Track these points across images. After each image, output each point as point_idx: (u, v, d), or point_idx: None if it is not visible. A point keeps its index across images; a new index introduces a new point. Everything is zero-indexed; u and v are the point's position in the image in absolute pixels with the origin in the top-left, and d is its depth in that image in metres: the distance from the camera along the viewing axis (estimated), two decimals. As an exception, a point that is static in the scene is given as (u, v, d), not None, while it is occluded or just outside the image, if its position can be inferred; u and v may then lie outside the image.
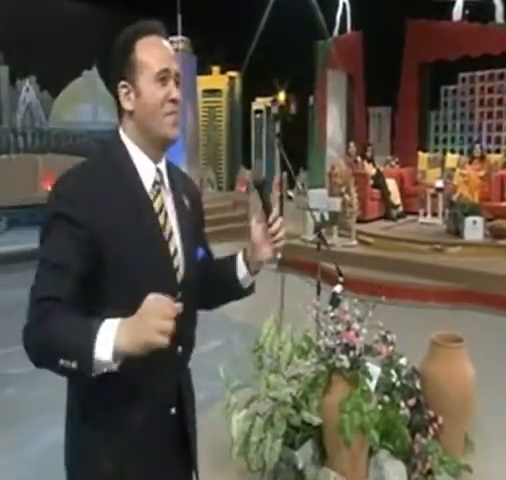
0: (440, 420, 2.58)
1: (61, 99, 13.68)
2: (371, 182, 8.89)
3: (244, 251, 1.37)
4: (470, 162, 8.92)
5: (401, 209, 9.22)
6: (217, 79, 14.23)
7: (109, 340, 0.98)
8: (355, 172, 8.57)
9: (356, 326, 2.11)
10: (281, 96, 8.44)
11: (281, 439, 2.26)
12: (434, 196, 8.37)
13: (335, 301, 2.37)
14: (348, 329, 2.11)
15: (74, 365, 1.00)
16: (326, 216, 8.03)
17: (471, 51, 9.49)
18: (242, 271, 1.35)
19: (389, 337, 2.23)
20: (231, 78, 14.20)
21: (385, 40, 9.54)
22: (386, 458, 2.34)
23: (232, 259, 1.37)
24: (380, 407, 2.31)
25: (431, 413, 2.57)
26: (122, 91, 1.20)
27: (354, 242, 7.94)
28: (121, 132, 1.25)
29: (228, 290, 1.39)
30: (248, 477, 2.41)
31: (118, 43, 1.21)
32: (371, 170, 9.06)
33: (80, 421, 1.28)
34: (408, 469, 2.41)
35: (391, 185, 9.24)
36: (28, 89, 13.06)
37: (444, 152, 10.56)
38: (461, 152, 10.68)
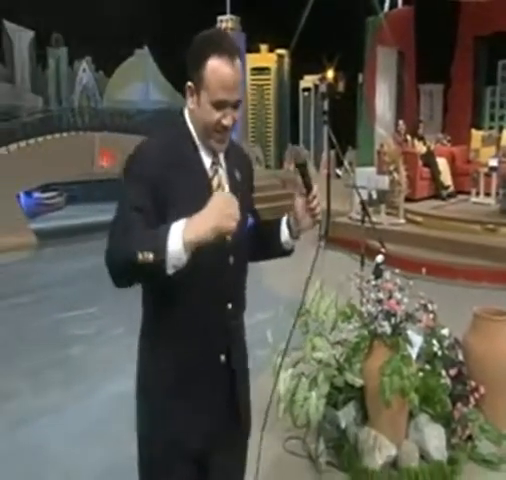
0: (481, 390, 2.66)
1: (114, 79, 14.05)
2: (421, 161, 8.76)
3: (288, 217, 1.50)
4: (527, 140, 8.61)
5: (452, 188, 9.05)
6: (265, 57, 14.20)
7: (179, 231, 1.17)
8: (404, 150, 8.46)
9: (397, 295, 2.23)
10: (329, 74, 8.35)
11: (324, 399, 2.43)
12: (488, 175, 8.17)
13: (378, 271, 2.48)
14: (390, 297, 2.23)
15: (151, 256, 1.15)
16: (374, 194, 8.02)
17: (532, 23, 9.06)
18: (284, 235, 1.50)
19: (430, 306, 2.34)
20: (280, 56, 14.14)
21: (437, 14, 9.25)
22: (426, 422, 2.47)
23: (277, 223, 1.52)
24: (421, 374, 2.43)
25: (473, 383, 2.66)
26: (188, 90, 1.35)
27: (402, 221, 7.91)
28: (186, 113, 1.38)
29: (272, 249, 1.52)
30: (294, 433, 2.60)
31: (193, 49, 1.31)
32: (421, 148, 8.92)
33: (141, 360, 1.46)
34: (448, 433, 2.52)
35: (442, 164, 9.07)
36: (84, 70, 13.46)
37: (500, 129, 10.21)
38: (518, 129, 10.29)
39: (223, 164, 1.41)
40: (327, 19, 10.27)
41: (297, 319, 1.69)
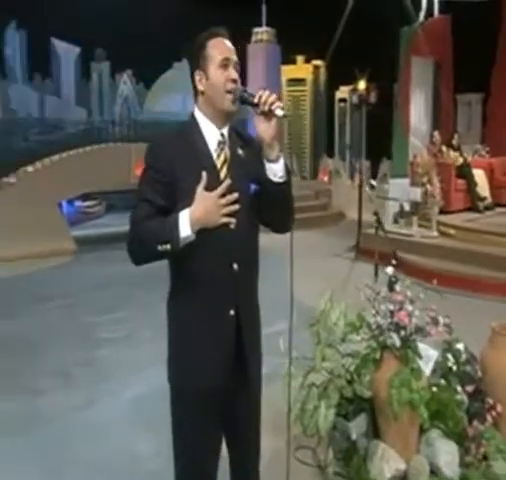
0: (499, 408, 2.60)
1: (154, 91, 14.42)
2: (456, 172, 8.60)
3: (262, 152, 1.61)
4: None
5: (489, 201, 8.83)
6: (302, 68, 14.27)
7: (186, 221, 1.51)
8: (439, 162, 8.32)
9: (408, 307, 2.22)
10: (361, 85, 8.33)
11: (334, 409, 2.44)
12: (527, 187, 7.93)
13: (391, 283, 2.48)
14: (400, 309, 2.23)
15: (168, 246, 1.51)
16: (406, 206, 7.92)
17: None
18: (268, 168, 1.59)
19: (442, 320, 2.32)
20: (316, 67, 14.18)
21: (475, 23, 9.10)
22: (438, 437, 2.44)
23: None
24: (434, 389, 2.40)
25: (490, 401, 2.60)
26: (197, 78, 1.63)
27: (434, 233, 7.76)
28: (195, 109, 1.67)
29: (270, 195, 1.61)
30: (304, 442, 2.61)
31: (195, 43, 1.63)
32: (457, 159, 8.76)
33: (169, 317, 1.73)
34: (461, 451, 2.48)
35: (479, 175, 8.86)
36: (125, 82, 13.90)
37: (542, 140, 9.90)
38: None
39: (228, 142, 1.64)
40: (362, 29, 10.25)
41: (290, 324, 1.74)
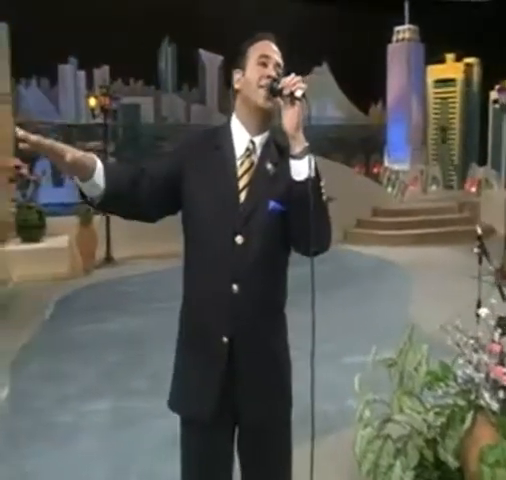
0: None
1: (292, 96, 14.40)
2: None
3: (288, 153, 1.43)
4: None
5: None
6: (451, 67, 13.11)
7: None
8: None
9: (513, 361, 1.70)
10: (510, 83, 7.27)
11: (413, 472, 1.98)
12: None
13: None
14: (501, 363, 1.71)
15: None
16: None
17: None
18: (291, 164, 1.39)
19: None
20: (468, 65, 12.94)
21: None
22: None
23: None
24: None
25: None
26: (235, 76, 1.52)
27: None
28: (233, 113, 1.56)
29: (293, 200, 1.39)
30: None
31: (240, 48, 1.55)
32: None
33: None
34: None
35: None
36: (265, 88, 14.11)
37: None
38: None
39: (258, 152, 1.49)
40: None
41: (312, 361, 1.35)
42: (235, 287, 1.43)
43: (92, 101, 8.07)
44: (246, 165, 1.49)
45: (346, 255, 8.47)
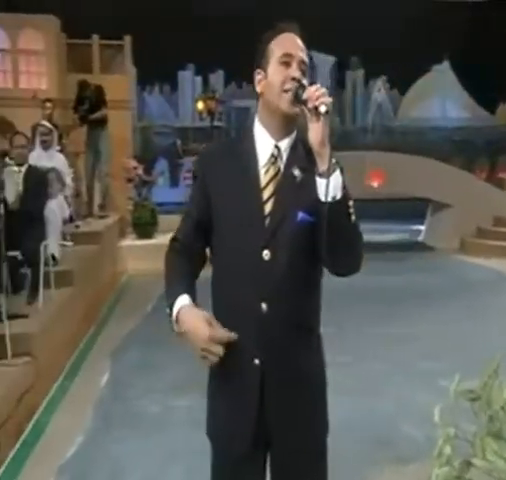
0: None
1: (409, 96, 13.81)
2: None
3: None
4: None
5: None
6: None
7: (174, 316, 1.34)
8: None
9: None
10: None
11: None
12: None
13: None
14: None
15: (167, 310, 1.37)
16: None
17: None
18: (318, 183, 1.27)
19: None
20: None
21: None
22: None
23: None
24: None
25: None
26: (257, 78, 1.41)
27: None
28: (256, 116, 1.46)
29: (322, 220, 1.26)
30: None
31: (260, 43, 1.41)
32: None
33: None
34: None
35: None
36: (379, 89, 13.70)
37: None
38: None
39: (284, 157, 1.40)
40: None
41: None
42: (264, 306, 1.34)
43: (200, 105, 8.44)
44: (271, 173, 1.38)
45: (462, 266, 7.97)
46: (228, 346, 1.29)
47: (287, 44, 1.37)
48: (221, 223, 1.38)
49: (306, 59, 1.37)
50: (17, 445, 3.16)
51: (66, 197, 5.48)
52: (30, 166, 4.75)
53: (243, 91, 14.78)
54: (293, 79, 1.32)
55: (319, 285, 1.43)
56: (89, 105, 7.16)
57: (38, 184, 4.67)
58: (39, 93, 7.62)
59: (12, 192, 4.52)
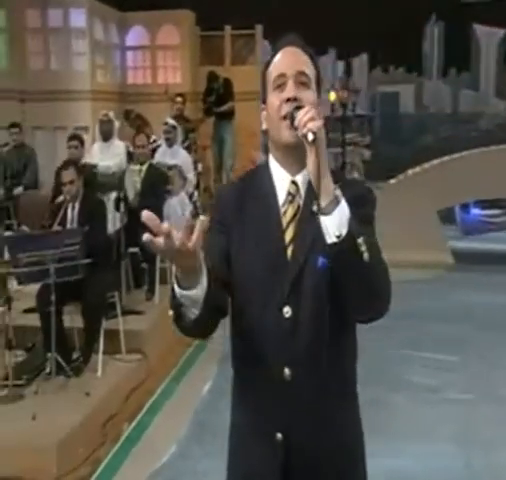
0: None
1: None
2: None
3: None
4: None
5: None
6: None
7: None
8: None
9: None
10: None
11: None
12: None
13: None
14: None
15: (171, 312, 1.15)
16: None
17: None
18: (321, 220, 1.11)
19: None
20: None
21: None
22: None
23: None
24: None
25: None
26: (262, 114, 1.27)
27: None
28: (270, 153, 1.34)
29: (331, 263, 1.12)
30: None
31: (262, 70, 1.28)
32: None
33: None
34: None
35: None
36: None
37: None
38: None
39: (302, 194, 1.25)
40: None
41: None
42: (287, 372, 1.18)
43: (332, 96, 8.11)
44: (290, 212, 1.24)
45: None
46: (248, 419, 1.20)
47: (281, 62, 1.22)
48: (238, 274, 1.22)
49: (308, 70, 1.20)
50: (119, 442, 3.26)
51: (187, 193, 5.51)
52: (151, 164, 4.86)
53: (390, 75, 13.90)
54: (288, 100, 1.17)
55: (353, 341, 1.26)
56: (216, 97, 7.18)
57: (157, 182, 4.76)
58: (172, 87, 7.82)
59: (132, 190, 4.66)
